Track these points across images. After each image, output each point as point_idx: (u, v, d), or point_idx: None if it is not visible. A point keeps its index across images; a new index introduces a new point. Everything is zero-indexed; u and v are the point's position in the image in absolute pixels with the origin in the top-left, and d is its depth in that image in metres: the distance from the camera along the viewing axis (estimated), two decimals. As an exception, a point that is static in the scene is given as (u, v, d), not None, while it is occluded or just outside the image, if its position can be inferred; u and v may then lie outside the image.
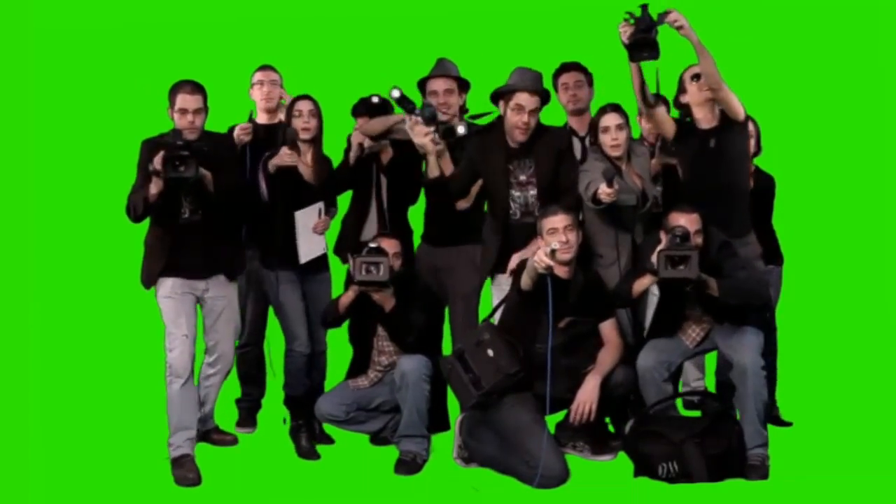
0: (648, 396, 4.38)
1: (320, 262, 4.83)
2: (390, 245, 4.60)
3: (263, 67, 4.98)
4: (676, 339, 4.43)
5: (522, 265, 4.35)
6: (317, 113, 4.73)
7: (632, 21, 4.24)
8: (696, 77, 4.47)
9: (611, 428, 4.63)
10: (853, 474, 4.25)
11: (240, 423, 5.02)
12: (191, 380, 4.36)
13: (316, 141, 4.74)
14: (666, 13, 4.24)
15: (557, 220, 4.33)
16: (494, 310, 4.59)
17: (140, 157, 4.37)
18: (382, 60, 6.05)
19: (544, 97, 4.53)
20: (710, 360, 5.10)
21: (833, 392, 5.27)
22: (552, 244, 4.06)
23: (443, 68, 4.81)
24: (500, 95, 4.53)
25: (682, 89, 4.61)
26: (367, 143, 4.79)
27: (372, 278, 4.39)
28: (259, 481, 4.39)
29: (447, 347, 4.83)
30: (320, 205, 4.74)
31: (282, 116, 4.88)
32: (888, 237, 6.28)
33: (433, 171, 4.61)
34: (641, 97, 4.44)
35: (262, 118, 4.98)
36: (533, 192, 4.53)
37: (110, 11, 6.42)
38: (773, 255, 4.86)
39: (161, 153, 4.16)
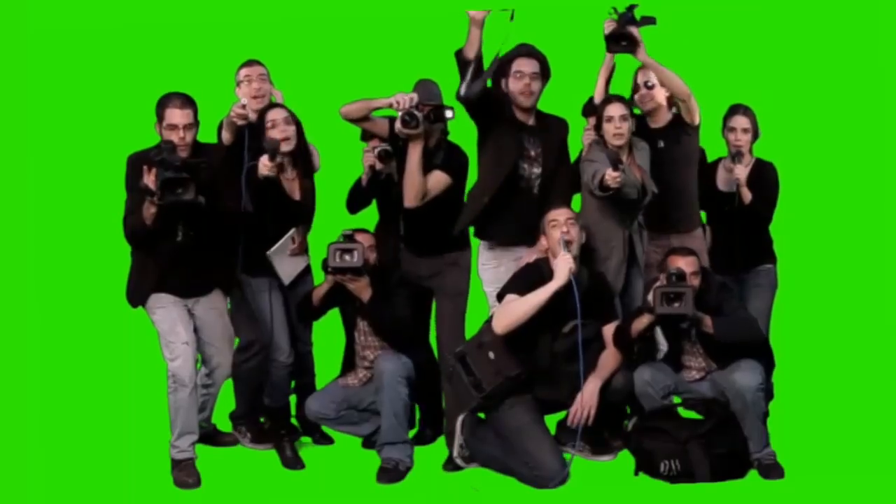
0: (646, 406, 4.40)
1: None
2: (364, 239, 4.54)
3: (248, 63, 4.68)
4: (676, 372, 4.48)
5: (527, 267, 4.36)
6: (292, 120, 4.45)
7: (615, 17, 4.50)
8: (647, 85, 4.70)
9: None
10: (850, 473, 4.26)
11: (254, 440, 4.82)
12: (195, 387, 4.30)
13: (298, 153, 4.48)
14: (648, 20, 4.51)
15: (559, 213, 4.37)
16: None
17: (127, 175, 4.16)
18: (387, 70, 5.97)
19: (543, 65, 4.54)
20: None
21: (828, 392, 5.27)
22: (563, 237, 4.16)
23: (427, 92, 4.61)
24: (500, 72, 4.51)
25: (635, 90, 4.78)
26: (378, 165, 4.67)
27: (346, 264, 4.34)
28: (257, 484, 4.39)
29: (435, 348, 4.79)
30: (291, 233, 4.53)
31: None
32: (881, 234, 6.30)
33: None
34: (602, 90, 4.64)
35: (253, 117, 4.57)
36: (537, 169, 4.53)
37: (93, 15, 6.32)
38: (766, 254, 4.88)
39: (154, 173, 3.96)
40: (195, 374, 4.28)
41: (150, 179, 3.98)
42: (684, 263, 4.32)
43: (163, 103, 4.15)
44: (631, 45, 4.46)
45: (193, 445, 4.32)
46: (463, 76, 4.36)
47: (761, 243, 4.86)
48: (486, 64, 4.45)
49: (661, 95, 4.73)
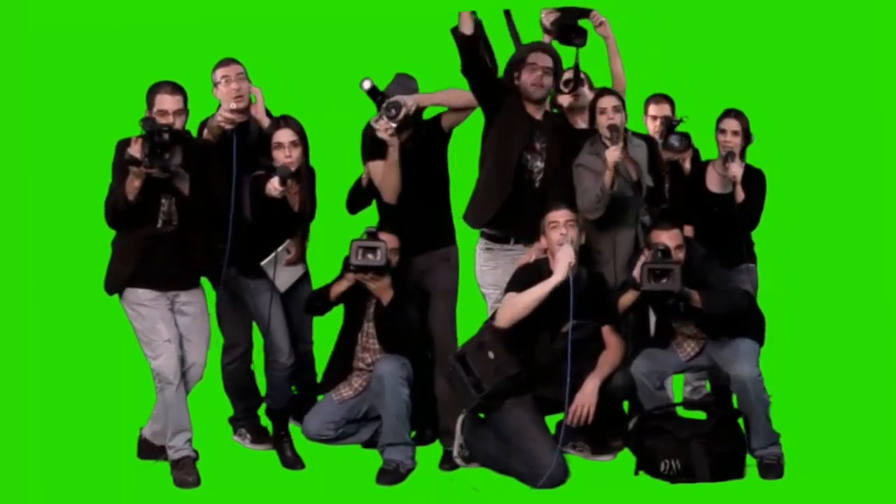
0: (643, 401, 4.41)
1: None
2: (389, 240, 4.52)
3: (224, 62, 4.52)
4: (671, 352, 4.48)
5: (524, 268, 4.39)
6: (299, 141, 4.41)
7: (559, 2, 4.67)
8: (567, 84, 4.80)
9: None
10: (841, 471, 4.29)
11: (254, 440, 4.80)
12: (181, 383, 4.26)
13: (301, 171, 4.42)
14: (589, 11, 4.73)
15: (560, 215, 4.39)
16: (496, 311, 4.57)
17: (115, 159, 4.16)
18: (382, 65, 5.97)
19: (557, 64, 4.64)
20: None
21: (817, 391, 5.30)
22: (570, 259, 4.16)
23: (403, 87, 4.65)
24: (513, 66, 4.61)
25: (565, 84, 4.90)
26: None
27: (369, 263, 4.28)
28: (257, 484, 4.38)
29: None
30: (285, 244, 4.49)
31: (254, 113, 4.54)
32: (861, 234, 6.38)
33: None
34: None
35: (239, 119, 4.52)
36: (540, 163, 4.59)
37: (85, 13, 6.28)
38: (748, 254, 4.89)
39: (140, 139, 3.96)
40: (180, 370, 4.23)
41: (135, 149, 3.98)
42: (668, 237, 4.29)
43: (153, 90, 4.16)
44: (580, 38, 4.65)
45: (189, 442, 4.28)
46: (462, 52, 4.43)
47: (742, 242, 4.87)
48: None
49: (590, 95, 4.80)
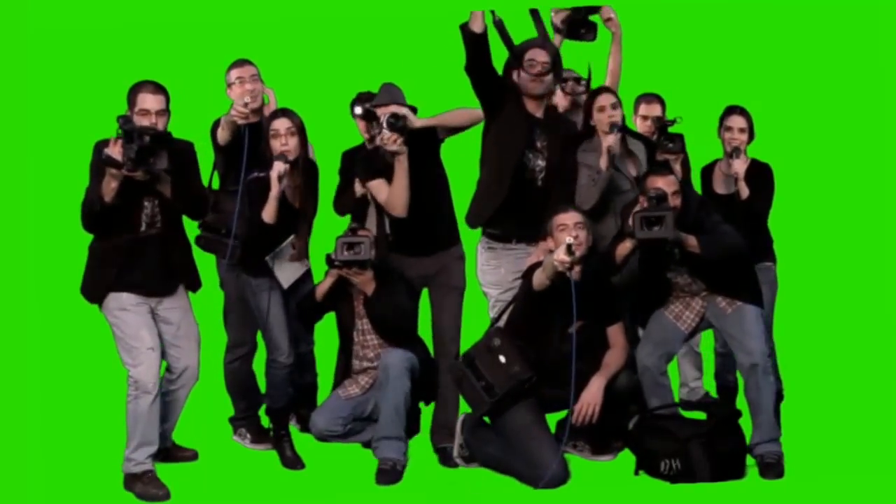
0: (649, 392, 4.40)
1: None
2: (370, 234, 4.54)
3: (239, 63, 4.62)
4: (672, 328, 4.45)
5: (533, 268, 4.36)
6: (296, 130, 4.40)
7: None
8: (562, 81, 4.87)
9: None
10: (852, 474, 4.27)
11: (254, 440, 4.82)
12: (158, 395, 4.13)
13: (299, 162, 4.40)
14: (598, 7, 4.84)
15: (568, 217, 4.37)
16: (501, 314, 4.58)
17: (93, 160, 4.05)
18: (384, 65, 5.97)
19: (556, 59, 4.64)
20: (709, 360, 5.20)
21: (827, 392, 5.30)
22: (566, 240, 4.07)
23: (389, 95, 4.61)
24: (511, 64, 4.61)
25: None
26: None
27: (353, 257, 4.36)
28: (257, 484, 4.38)
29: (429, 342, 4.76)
30: (290, 239, 4.48)
31: (267, 114, 4.60)
32: (879, 233, 6.37)
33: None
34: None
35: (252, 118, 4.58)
36: (541, 161, 4.60)
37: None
38: (765, 252, 4.89)
39: (120, 142, 3.86)
40: (159, 382, 4.14)
41: (114, 150, 3.90)
42: (664, 183, 4.26)
43: (135, 90, 4.08)
44: (590, 33, 4.73)
45: (152, 458, 4.15)
46: (468, 49, 4.44)
47: (760, 241, 4.85)
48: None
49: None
